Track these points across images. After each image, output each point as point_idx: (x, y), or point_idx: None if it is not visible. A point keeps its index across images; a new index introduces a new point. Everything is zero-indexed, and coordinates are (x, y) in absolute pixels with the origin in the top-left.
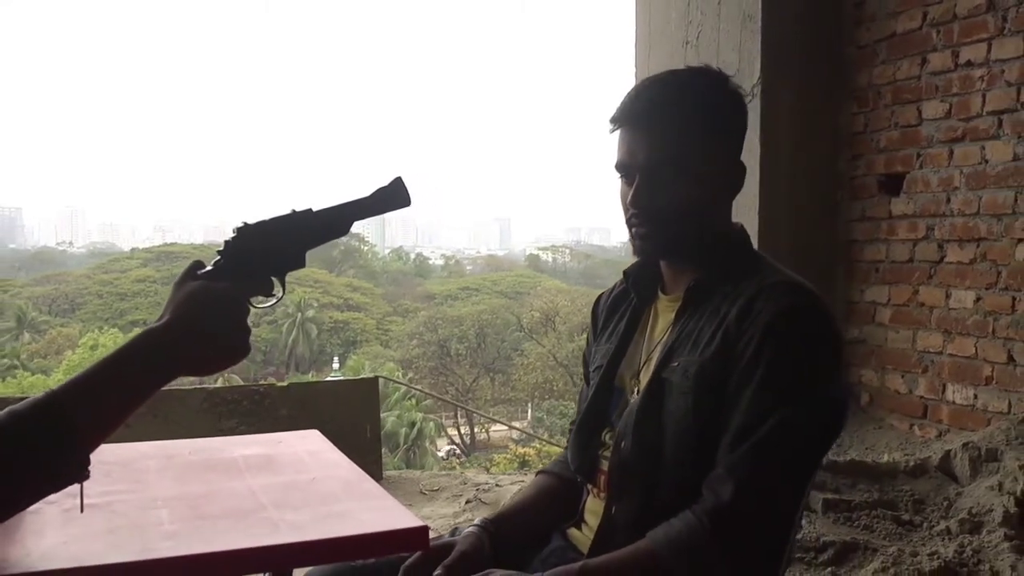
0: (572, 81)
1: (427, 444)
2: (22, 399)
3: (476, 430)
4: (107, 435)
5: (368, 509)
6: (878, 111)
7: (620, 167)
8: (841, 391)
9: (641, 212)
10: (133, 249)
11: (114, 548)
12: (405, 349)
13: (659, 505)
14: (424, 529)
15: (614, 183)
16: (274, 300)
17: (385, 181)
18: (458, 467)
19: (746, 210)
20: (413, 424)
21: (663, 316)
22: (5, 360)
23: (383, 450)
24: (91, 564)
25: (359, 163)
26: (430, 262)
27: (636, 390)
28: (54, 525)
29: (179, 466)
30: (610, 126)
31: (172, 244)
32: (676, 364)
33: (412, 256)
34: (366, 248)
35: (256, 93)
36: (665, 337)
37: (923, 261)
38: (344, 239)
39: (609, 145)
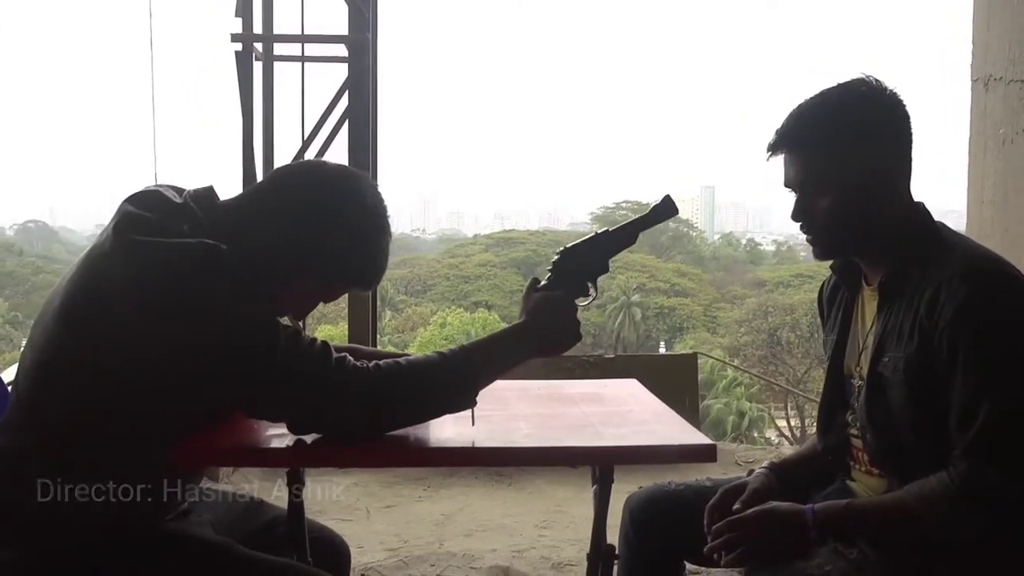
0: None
1: (755, 434)
2: None
3: (807, 423)
4: (488, 384)
5: (671, 432)
6: None
7: (785, 184)
8: None
9: (804, 223)
10: (476, 235)
11: (493, 440)
12: (733, 336)
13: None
14: (712, 446)
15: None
16: (590, 299)
17: (657, 199)
18: (776, 445)
19: None
20: (742, 414)
21: (868, 304)
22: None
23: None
24: (482, 445)
25: (692, 148)
26: (761, 248)
27: (860, 375)
28: (453, 427)
29: (532, 396)
30: (767, 153)
31: (510, 231)
32: (887, 359)
33: (743, 242)
34: (695, 234)
35: (585, 88)
36: (874, 327)
37: None
38: (672, 225)
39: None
